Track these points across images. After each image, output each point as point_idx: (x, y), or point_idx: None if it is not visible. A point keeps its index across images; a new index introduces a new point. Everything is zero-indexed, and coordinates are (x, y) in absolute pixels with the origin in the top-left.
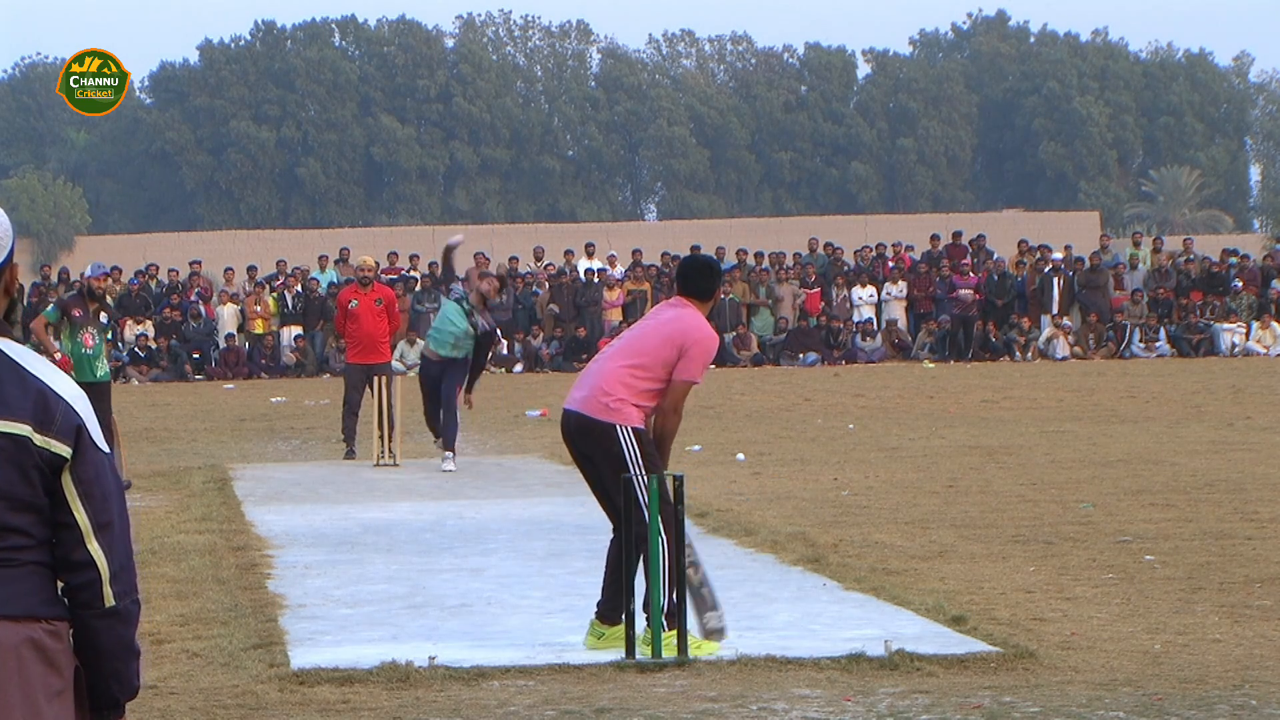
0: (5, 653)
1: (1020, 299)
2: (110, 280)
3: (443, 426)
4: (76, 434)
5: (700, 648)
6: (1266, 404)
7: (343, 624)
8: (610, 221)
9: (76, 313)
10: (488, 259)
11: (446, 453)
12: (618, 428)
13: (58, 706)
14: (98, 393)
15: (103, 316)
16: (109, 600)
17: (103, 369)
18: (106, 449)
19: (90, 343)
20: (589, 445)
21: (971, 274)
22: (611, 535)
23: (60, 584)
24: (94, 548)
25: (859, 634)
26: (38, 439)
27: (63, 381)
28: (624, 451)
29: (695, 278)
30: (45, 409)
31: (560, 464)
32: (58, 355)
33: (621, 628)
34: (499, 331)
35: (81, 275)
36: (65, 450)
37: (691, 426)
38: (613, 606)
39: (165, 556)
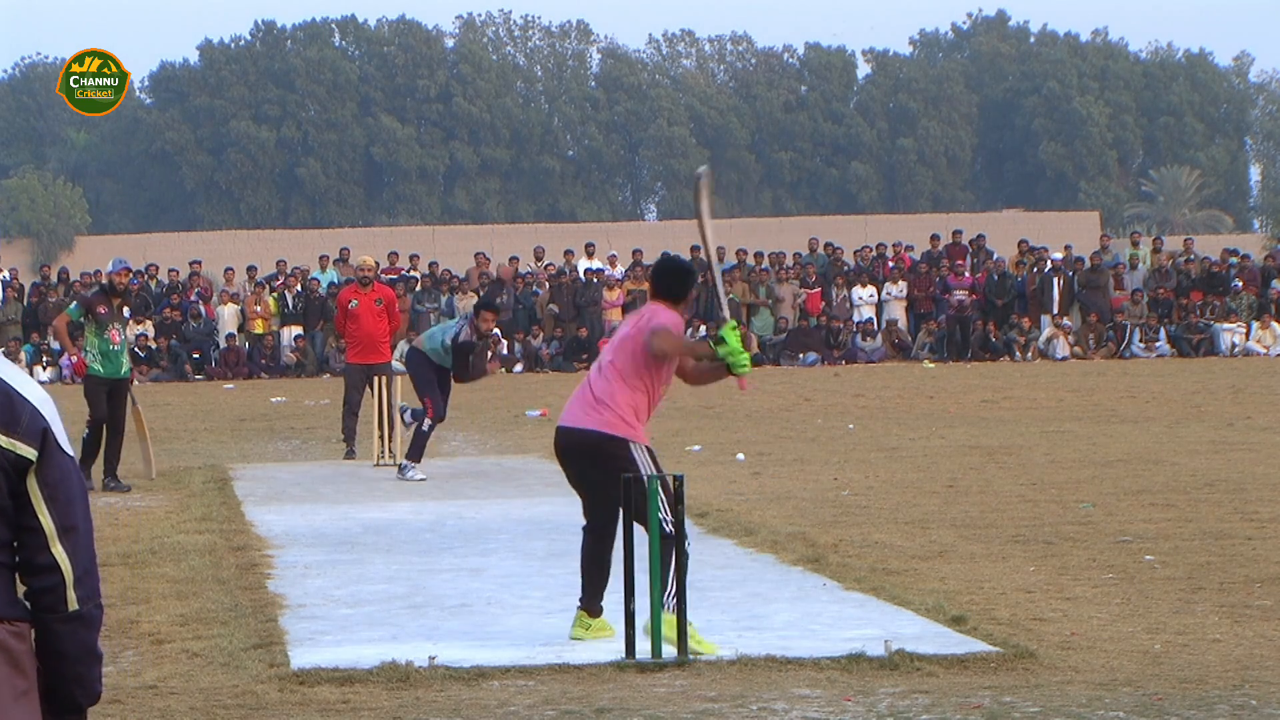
0: None
1: (1020, 299)
2: (130, 276)
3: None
4: (42, 437)
5: (700, 648)
6: (1266, 404)
7: (343, 624)
8: (610, 221)
9: (101, 310)
10: (488, 259)
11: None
12: (613, 438)
13: (25, 706)
14: (123, 388)
15: (125, 311)
16: (72, 604)
17: (126, 365)
18: (73, 453)
19: (117, 339)
20: (581, 456)
21: (967, 275)
22: (583, 533)
23: (23, 588)
24: (58, 551)
25: (859, 634)
26: (2, 440)
27: (29, 385)
28: (619, 454)
29: (668, 280)
30: (11, 411)
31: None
32: (75, 356)
33: (604, 619)
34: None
35: (99, 271)
36: (30, 453)
37: (691, 426)
38: (593, 599)
39: (165, 556)
